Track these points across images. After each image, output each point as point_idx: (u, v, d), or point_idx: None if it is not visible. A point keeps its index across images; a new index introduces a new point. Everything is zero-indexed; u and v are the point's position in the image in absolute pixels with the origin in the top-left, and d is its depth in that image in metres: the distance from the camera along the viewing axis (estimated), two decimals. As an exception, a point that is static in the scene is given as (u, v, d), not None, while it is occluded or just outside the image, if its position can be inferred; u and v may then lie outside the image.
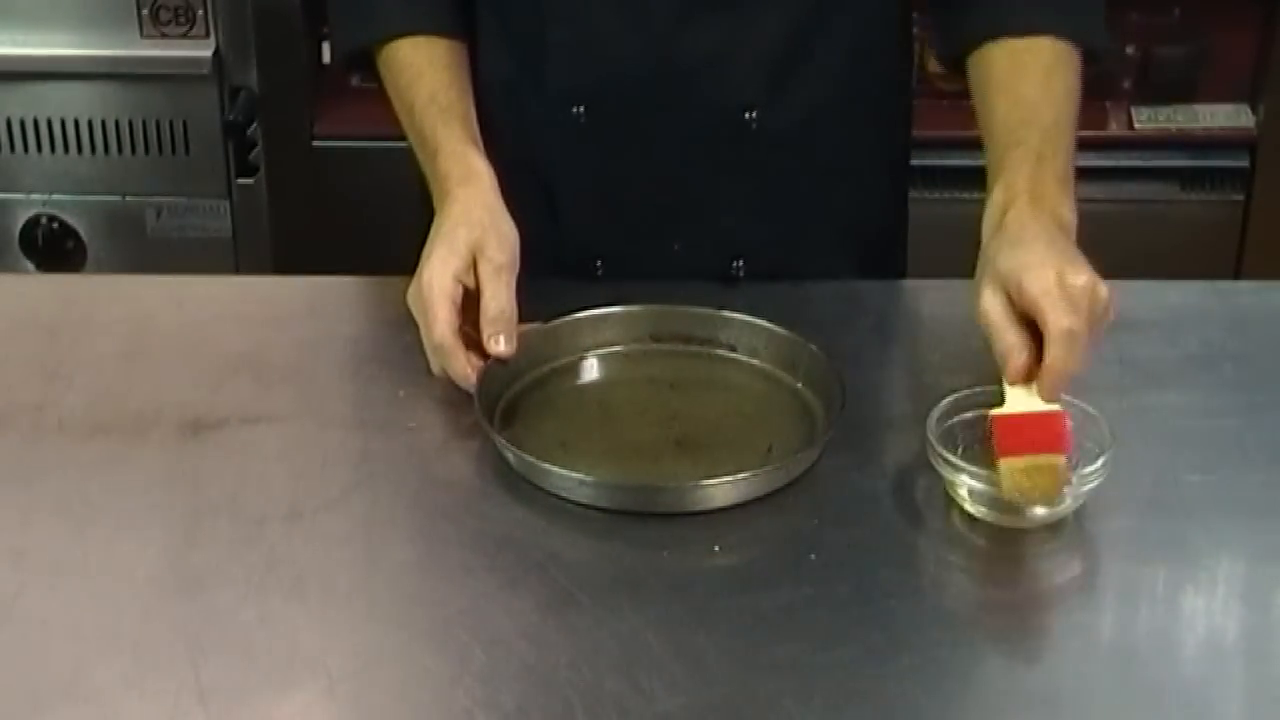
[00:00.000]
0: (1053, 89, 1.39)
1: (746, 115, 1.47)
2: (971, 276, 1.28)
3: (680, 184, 1.51)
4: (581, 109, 1.48)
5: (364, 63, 1.53)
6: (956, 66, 1.48)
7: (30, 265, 2.41)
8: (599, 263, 1.51)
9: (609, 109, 1.48)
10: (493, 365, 1.30)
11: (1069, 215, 1.31)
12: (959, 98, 2.12)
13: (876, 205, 1.60)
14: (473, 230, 1.34)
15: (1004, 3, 1.43)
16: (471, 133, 1.43)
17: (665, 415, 1.31)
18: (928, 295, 1.54)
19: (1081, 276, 1.22)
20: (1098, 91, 2.41)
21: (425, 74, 1.46)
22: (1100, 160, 2.39)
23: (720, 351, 1.37)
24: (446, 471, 1.26)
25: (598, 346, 1.38)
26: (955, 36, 1.46)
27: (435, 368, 1.32)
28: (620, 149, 1.50)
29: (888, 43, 1.55)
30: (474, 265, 1.32)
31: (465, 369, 1.29)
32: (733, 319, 1.38)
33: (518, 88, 1.51)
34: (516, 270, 1.34)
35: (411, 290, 1.34)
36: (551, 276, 1.43)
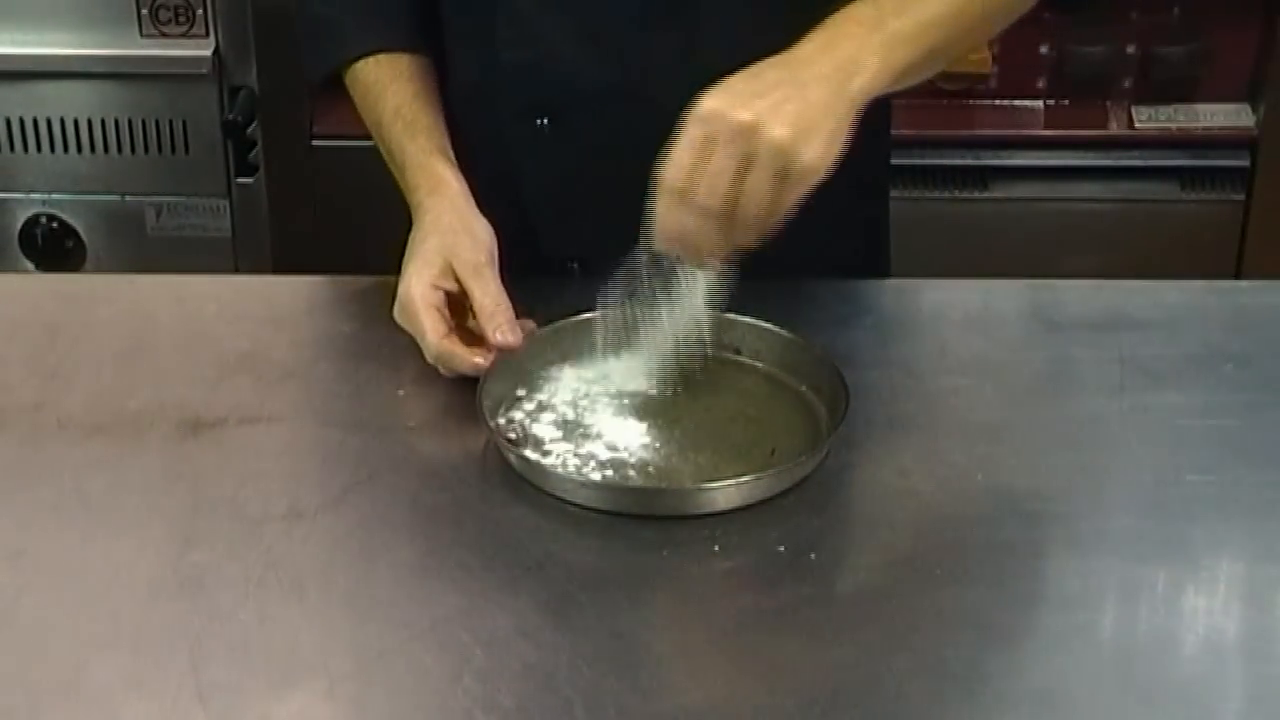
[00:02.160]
0: None
1: None
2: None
3: (645, 191, 1.50)
4: (545, 120, 1.48)
5: (337, 88, 1.54)
6: None
7: (30, 265, 2.41)
8: (574, 265, 1.51)
9: (571, 121, 1.48)
10: (495, 366, 1.30)
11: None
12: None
13: (849, 212, 1.55)
14: (444, 236, 1.35)
15: None
16: (437, 142, 1.44)
17: (668, 418, 1.31)
18: (928, 294, 1.54)
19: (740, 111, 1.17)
20: (1098, 91, 2.41)
21: (389, 89, 1.48)
22: (1100, 160, 2.39)
23: (724, 354, 1.37)
24: (446, 471, 1.26)
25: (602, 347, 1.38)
26: None
27: (444, 371, 1.33)
28: (585, 157, 1.49)
29: None
30: (451, 270, 1.33)
31: (472, 359, 1.30)
32: (737, 321, 1.37)
33: (483, 97, 1.51)
34: (496, 266, 1.34)
35: (396, 309, 1.35)
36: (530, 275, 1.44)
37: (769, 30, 1.44)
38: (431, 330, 1.31)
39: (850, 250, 1.58)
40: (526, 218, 1.52)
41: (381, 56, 1.50)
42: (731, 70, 1.43)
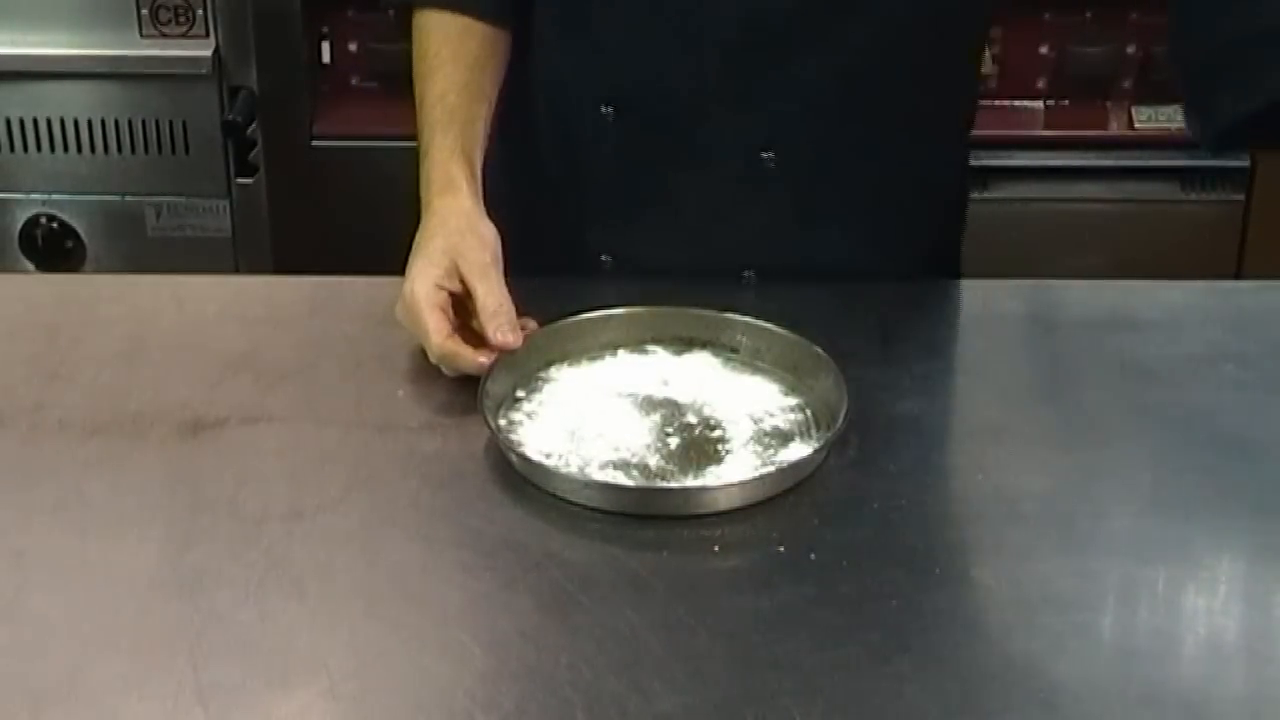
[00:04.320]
0: None
1: (763, 155, 1.47)
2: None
3: (693, 200, 1.51)
4: (610, 109, 1.49)
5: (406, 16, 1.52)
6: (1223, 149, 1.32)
7: (30, 265, 2.42)
8: (606, 258, 1.52)
9: (635, 115, 1.49)
10: (496, 366, 1.30)
11: None
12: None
13: (906, 230, 1.58)
14: (449, 237, 1.36)
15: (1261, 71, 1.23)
16: (465, 140, 1.44)
17: (667, 417, 1.31)
18: (930, 295, 1.54)
19: None
20: (1098, 92, 2.41)
21: (445, 68, 1.47)
22: (1100, 160, 2.39)
23: (724, 353, 1.37)
24: (446, 471, 1.26)
25: (601, 347, 1.38)
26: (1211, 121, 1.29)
27: (447, 371, 1.33)
28: (639, 155, 1.50)
29: (935, 94, 1.52)
30: (456, 270, 1.33)
31: (475, 359, 1.30)
32: (736, 321, 1.38)
33: (556, 74, 1.52)
34: (501, 267, 1.35)
35: (399, 309, 1.35)
36: (559, 270, 1.43)
37: (859, 49, 1.44)
38: (435, 330, 1.31)
39: (926, 251, 1.59)
40: (574, 206, 1.53)
41: (450, 30, 1.48)
42: (820, 89, 1.43)
